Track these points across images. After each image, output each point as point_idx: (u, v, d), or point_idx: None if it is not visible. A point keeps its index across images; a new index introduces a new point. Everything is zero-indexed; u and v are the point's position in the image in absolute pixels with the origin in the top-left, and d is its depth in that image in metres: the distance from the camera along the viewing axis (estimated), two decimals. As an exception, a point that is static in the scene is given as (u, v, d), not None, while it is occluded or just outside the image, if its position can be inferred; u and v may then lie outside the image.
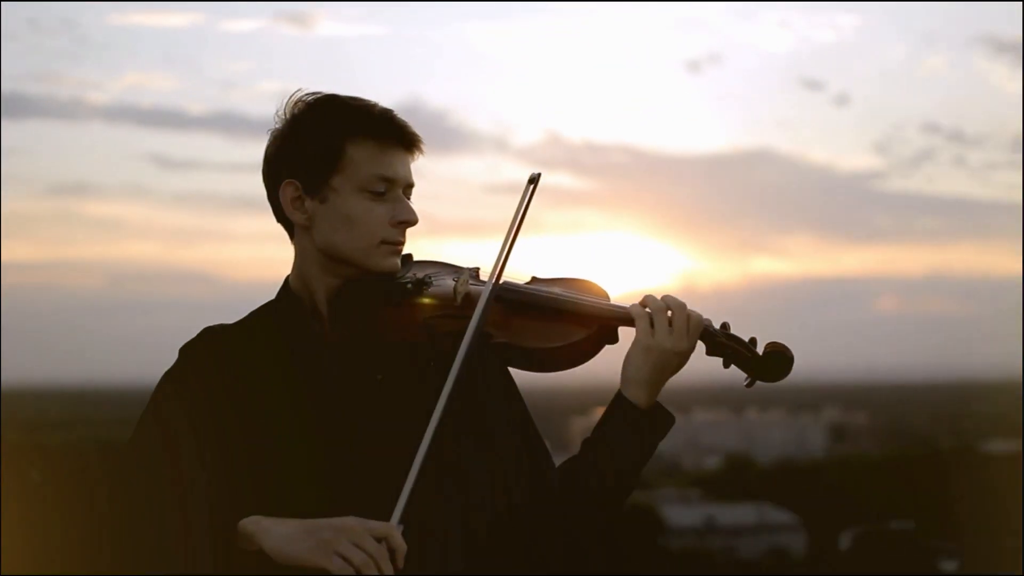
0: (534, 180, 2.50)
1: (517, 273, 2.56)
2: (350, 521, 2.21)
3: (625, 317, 2.49)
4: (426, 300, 2.49)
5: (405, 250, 2.53)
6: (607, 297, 2.56)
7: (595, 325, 2.49)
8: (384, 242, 2.45)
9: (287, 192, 2.46)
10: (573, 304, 2.50)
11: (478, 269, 2.57)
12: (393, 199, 2.45)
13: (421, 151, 2.50)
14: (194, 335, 2.50)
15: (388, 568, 2.18)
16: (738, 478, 62.84)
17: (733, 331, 2.53)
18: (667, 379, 2.49)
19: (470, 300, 2.46)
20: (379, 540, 2.19)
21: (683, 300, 2.49)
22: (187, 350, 2.48)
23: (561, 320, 2.49)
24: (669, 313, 2.46)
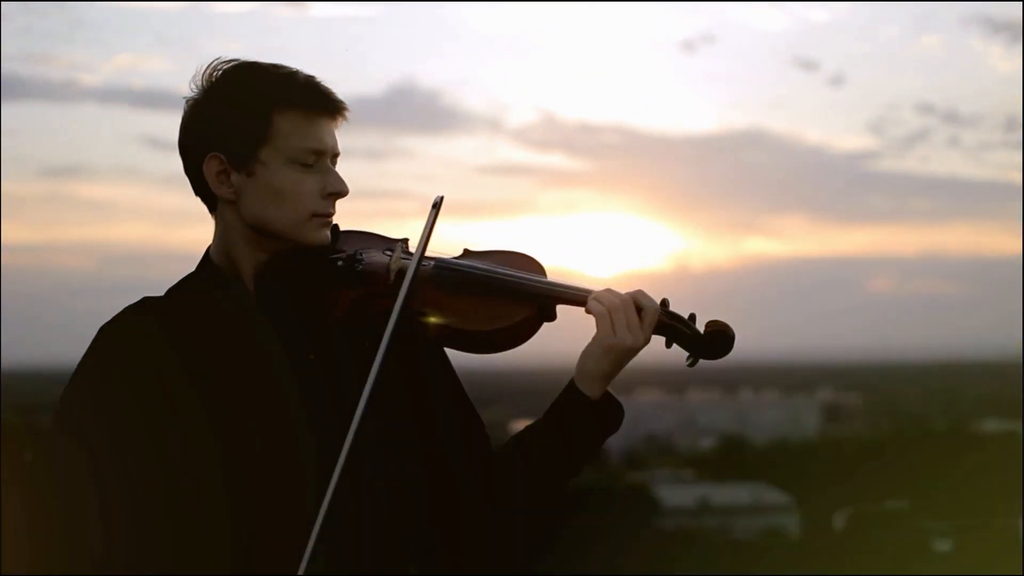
0: (436, 205, 2.40)
1: (448, 246, 2.50)
2: None
3: (579, 302, 2.44)
4: (358, 277, 2.42)
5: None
6: (543, 271, 2.50)
7: (536, 304, 2.43)
8: (315, 215, 2.38)
9: (212, 166, 2.37)
10: (514, 283, 2.44)
11: (407, 240, 2.49)
12: (322, 170, 2.39)
13: (345, 118, 2.43)
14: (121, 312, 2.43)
15: None
16: (732, 458, 62.89)
17: (672, 308, 2.47)
18: (620, 371, 2.47)
19: (403, 276, 2.37)
20: None
21: (640, 289, 2.45)
22: (108, 329, 2.41)
23: (500, 300, 2.43)
24: (625, 311, 2.41)
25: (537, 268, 2.50)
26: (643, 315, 2.42)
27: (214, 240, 2.44)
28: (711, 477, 59.13)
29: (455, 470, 2.47)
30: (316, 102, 2.39)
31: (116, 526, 2.28)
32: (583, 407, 2.45)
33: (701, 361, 2.47)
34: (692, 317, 2.46)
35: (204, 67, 2.41)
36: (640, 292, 2.44)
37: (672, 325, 2.46)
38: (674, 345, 2.46)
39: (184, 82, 2.44)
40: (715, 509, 52.06)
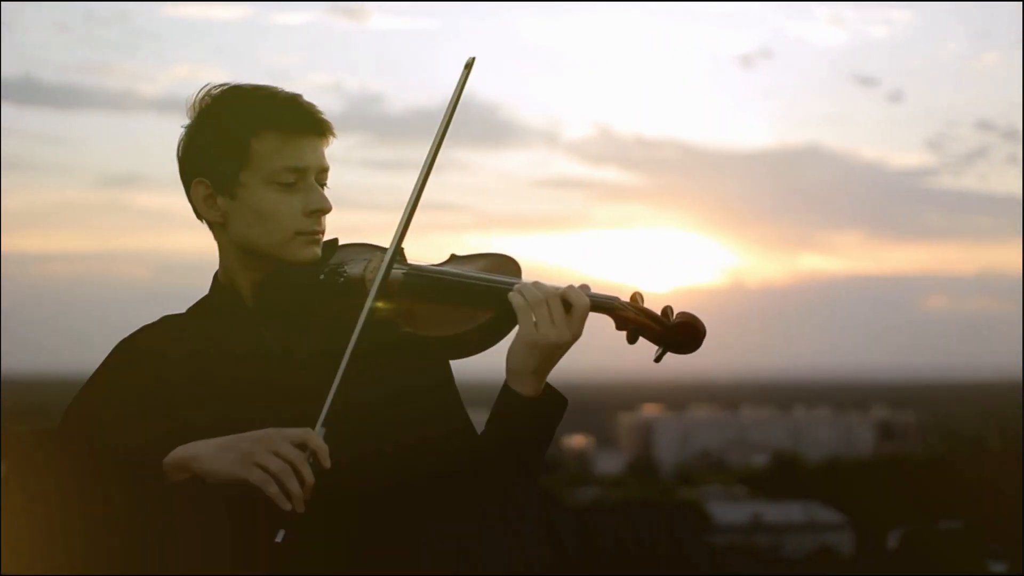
0: (469, 66, 2.44)
1: (433, 254, 2.52)
2: (268, 431, 2.24)
3: (503, 299, 2.42)
4: (339, 290, 2.45)
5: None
6: (519, 271, 2.49)
7: (496, 306, 2.43)
8: (299, 233, 2.42)
9: (198, 191, 2.44)
10: (472, 284, 2.45)
11: (401, 250, 2.50)
12: (305, 188, 2.42)
13: (333, 134, 2.46)
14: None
15: (307, 473, 2.21)
16: (785, 476, 62.62)
17: (644, 303, 2.45)
18: (554, 365, 2.45)
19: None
20: (298, 446, 2.22)
21: (559, 286, 2.42)
22: (122, 345, 2.48)
23: (463, 304, 2.44)
24: (548, 305, 2.40)
25: (514, 269, 2.49)
26: (572, 311, 2.40)
27: (219, 262, 2.50)
28: (764, 494, 58.90)
29: (435, 469, 2.46)
30: (293, 121, 2.41)
31: (115, 525, 2.28)
32: (517, 406, 2.43)
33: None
34: (666, 310, 2.44)
35: (196, 93, 2.46)
36: (570, 287, 2.42)
37: (633, 319, 2.44)
38: (640, 339, 2.44)
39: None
40: (767, 526, 51.86)
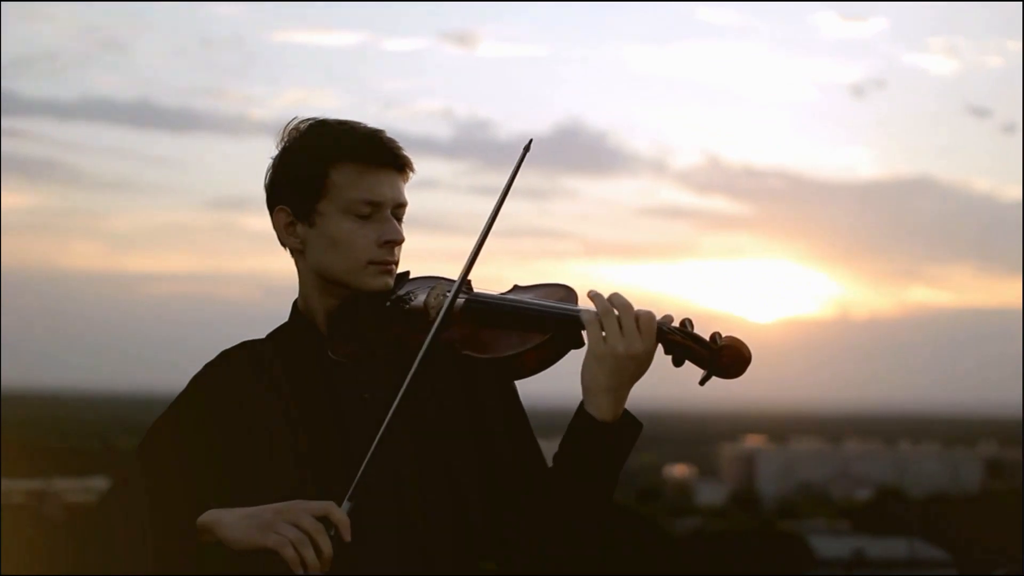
0: (527, 148, 2.52)
1: (497, 283, 2.58)
2: (292, 503, 2.31)
3: (572, 319, 2.46)
4: (403, 317, 2.55)
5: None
6: (577, 301, 2.53)
7: (551, 330, 2.48)
8: (372, 262, 2.51)
9: (280, 218, 2.56)
10: (528, 309, 2.50)
11: (470, 282, 2.59)
12: (380, 220, 2.51)
13: (412, 169, 2.55)
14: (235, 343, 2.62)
15: (325, 543, 2.27)
16: (889, 511, 61.82)
17: (695, 329, 2.48)
18: (630, 384, 2.45)
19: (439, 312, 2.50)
20: (319, 518, 2.29)
21: (632, 301, 2.45)
22: (205, 369, 2.59)
23: (519, 328, 2.50)
24: (616, 315, 2.42)
25: (570, 296, 2.56)
26: (640, 321, 2.42)
27: (299, 288, 2.61)
28: (867, 529, 58.17)
29: (504, 489, 2.54)
30: (371, 156, 2.51)
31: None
32: (589, 429, 2.47)
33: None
34: (714, 336, 2.46)
35: (285, 126, 2.57)
36: (624, 300, 2.44)
37: (679, 342, 2.46)
38: (686, 363, 2.47)
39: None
40: (870, 562, 51.22)
